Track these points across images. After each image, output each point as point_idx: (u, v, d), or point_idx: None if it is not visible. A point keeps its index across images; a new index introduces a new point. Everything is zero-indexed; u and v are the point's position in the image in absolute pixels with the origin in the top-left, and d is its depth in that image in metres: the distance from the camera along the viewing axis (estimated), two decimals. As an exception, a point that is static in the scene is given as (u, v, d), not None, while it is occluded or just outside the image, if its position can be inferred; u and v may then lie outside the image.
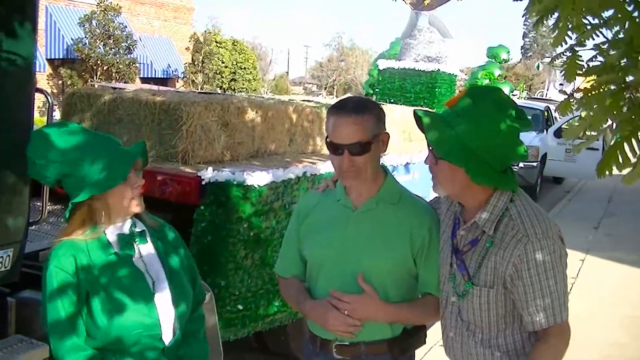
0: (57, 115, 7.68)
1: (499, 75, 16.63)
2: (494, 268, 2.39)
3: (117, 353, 2.47)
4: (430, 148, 2.47)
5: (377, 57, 15.43)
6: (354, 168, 2.61)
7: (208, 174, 4.34)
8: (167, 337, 2.55)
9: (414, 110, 2.50)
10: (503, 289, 2.40)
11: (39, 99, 3.81)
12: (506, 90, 16.28)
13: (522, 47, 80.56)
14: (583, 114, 2.11)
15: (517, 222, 2.38)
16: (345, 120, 2.59)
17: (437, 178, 2.50)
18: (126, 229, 2.57)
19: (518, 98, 26.26)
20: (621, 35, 2.01)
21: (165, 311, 2.54)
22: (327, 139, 2.67)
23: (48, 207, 4.13)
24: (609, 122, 2.06)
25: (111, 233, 2.54)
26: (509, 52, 16.68)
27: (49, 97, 4.00)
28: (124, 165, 2.48)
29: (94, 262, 2.46)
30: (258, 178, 4.46)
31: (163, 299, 2.55)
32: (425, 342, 2.93)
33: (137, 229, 2.61)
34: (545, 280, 2.31)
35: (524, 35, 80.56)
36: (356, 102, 2.70)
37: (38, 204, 4.03)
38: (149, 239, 2.64)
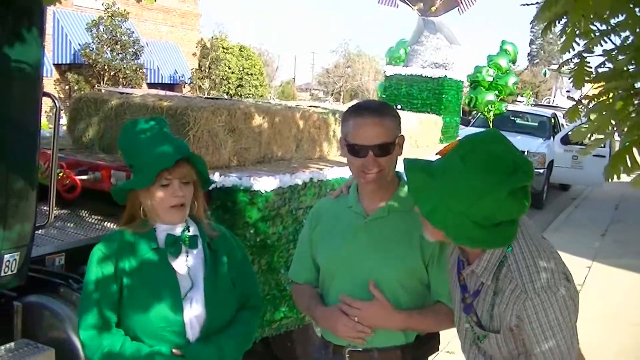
0: (63, 120, 7.68)
1: (506, 69, 16.53)
2: (501, 317, 2.32)
3: (144, 341, 2.58)
4: None
5: (387, 51, 15.36)
6: (378, 169, 2.61)
7: (215, 179, 4.34)
8: (193, 336, 2.65)
9: (404, 159, 2.41)
10: (510, 332, 2.33)
11: (46, 103, 3.82)
12: (511, 81, 16.25)
13: (528, 54, 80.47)
14: (592, 117, 2.09)
15: (515, 275, 2.26)
16: (370, 121, 2.59)
17: (425, 228, 2.38)
18: (177, 231, 2.67)
19: (524, 105, 26.21)
20: (630, 41, 2.01)
21: (193, 313, 2.64)
22: (346, 142, 2.66)
23: (55, 212, 4.14)
24: (617, 127, 2.05)
25: (161, 231, 2.66)
26: (515, 50, 16.56)
27: (56, 102, 4.00)
28: (149, 172, 2.56)
29: (135, 253, 2.61)
30: (265, 183, 4.46)
31: (193, 301, 2.64)
32: (438, 349, 2.92)
33: (190, 233, 2.70)
34: (549, 330, 2.22)
35: (531, 42, 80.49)
36: (377, 104, 2.75)
37: (45, 208, 4.04)
38: (200, 245, 2.72)
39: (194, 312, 2.64)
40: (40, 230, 4.01)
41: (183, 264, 2.67)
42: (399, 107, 9.49)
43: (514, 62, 16.86)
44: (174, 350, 2.57)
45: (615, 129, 1.98)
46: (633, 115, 1.92)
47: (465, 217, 2.17)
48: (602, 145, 2.12)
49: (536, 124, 18.04)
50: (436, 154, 2.39)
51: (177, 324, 2.59)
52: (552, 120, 18.30)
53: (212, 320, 2.67)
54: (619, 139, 2.01)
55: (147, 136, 2.64)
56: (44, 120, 4.59)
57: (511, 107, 18.86)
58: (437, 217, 2.22)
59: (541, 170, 15.32)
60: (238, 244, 2.95)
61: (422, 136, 8.35)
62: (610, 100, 2.01)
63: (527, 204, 2.21)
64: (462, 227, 2.19)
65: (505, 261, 2.30)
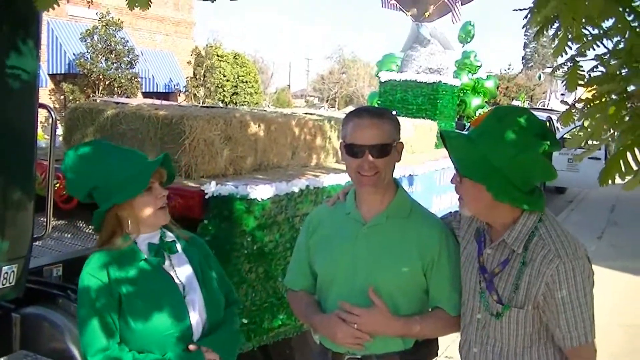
0: (59, 130, 7.68)
1: (488, 77, 16.63)
2: (527, 288, 2.39)
3: (152, 354, 2.57)
4: (455, 167, 2.48)
5: (377, 63, 15.45)
6: (374, 171, 2.63)
7: (211, 188, 4.34)
8: (198, 338, 2.67)
9: (440, 130, 2.56)
10: (533, 309, 2.41)
11: (41, 114, 3.82)
12: (490, 84, 16.35)
13: (523, 58, 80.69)
14: (586, 123, 2.12)
15: (547, 242, 2.38)
16: (368, 122, 2.65)
17: (462, 198, 2.51)
18: (156, 239, 2.70)
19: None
20: (622, 45, 2.02)
21: (197, 314, 2.67)
22: (345, 143, 2.69)
23: (52, 223, 4.14)
24: (611, 131, 2.07)
25: (142, 242, 2.68)
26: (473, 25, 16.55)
27: (52, 112, 4.00)
28: (143, 176, 2.60)
29: (126, 269, 2.60)
30: (261, 191, 4.45)
31: (195, 303, 2.68)
32: (437, 355, 2.93)
33: (167, 239, 2.73)
34: (577, 299, 2.33)
35: (525, 46, 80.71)
36: (375, 109, 2.84)
37: (42, 219, 4.04)
38: (179, 249, 2.76)
39: (197, 314, 2.67)
40: (37, 242, 4.00)
41: (171, 268, 2.70)
42: (394, 112, 9.51)
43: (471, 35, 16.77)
44: (190, 346, 2.59)
45: (609, 135, 2.00)
46: (626, 119, 1.93)
47: (504, 176, 2.32)
48: (598, 148, 2.17)
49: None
50: (470, 125, 2.55)
51: (185, 329, 2.61)
52: (547, 124, 18.31)
53: (212, 319, 2.71)
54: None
55: (110, 153, 2.68)
56: (40, 131, 4.59)
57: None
58: (478, 173, 2.35)
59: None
60: (203, 242, 3.01)
61: (418, 141, 8.37)
62: (604, 103, 2.03)
63: (555, 172, 2.43)
64: (501, 184, 2.33)
65: (536, 232, 2.42)
